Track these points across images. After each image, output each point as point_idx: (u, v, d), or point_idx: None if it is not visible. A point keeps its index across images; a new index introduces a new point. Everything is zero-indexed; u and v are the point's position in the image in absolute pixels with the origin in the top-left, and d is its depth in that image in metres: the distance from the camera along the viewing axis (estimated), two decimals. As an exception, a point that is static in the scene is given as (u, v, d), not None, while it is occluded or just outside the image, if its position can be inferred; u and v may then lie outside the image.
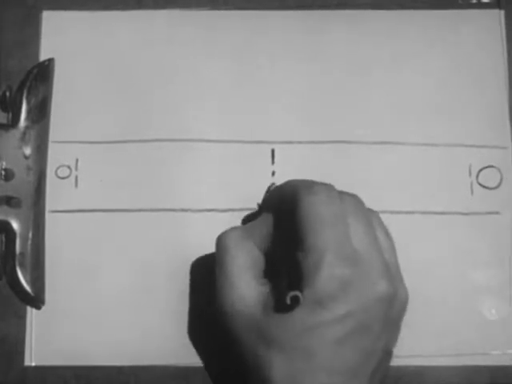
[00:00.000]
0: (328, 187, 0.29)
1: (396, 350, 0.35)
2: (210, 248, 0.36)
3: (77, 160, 0.38)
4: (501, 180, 0.38)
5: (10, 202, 0.36)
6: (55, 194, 0.37)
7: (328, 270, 0.26)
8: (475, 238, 0.37)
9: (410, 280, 0.36)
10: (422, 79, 0.39)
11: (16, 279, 0.36)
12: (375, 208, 0.37)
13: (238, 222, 0.37)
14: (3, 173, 0.36)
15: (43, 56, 0.39)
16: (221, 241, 0.30)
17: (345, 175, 0.38)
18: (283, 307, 0.27)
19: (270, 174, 0.38)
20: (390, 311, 0.28)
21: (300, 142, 0.38)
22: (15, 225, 0.36)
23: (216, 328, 0.30)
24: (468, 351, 0.36)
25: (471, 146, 0.38)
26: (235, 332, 0.28)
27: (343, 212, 0.28)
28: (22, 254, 0.36)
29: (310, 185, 0.29)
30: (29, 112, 0.37)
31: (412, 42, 0.39)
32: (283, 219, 0.30)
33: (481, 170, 0.38)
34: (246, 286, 0.28)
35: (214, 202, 0.37)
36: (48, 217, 0.37)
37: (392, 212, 0.37)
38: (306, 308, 0.26)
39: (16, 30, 0.39)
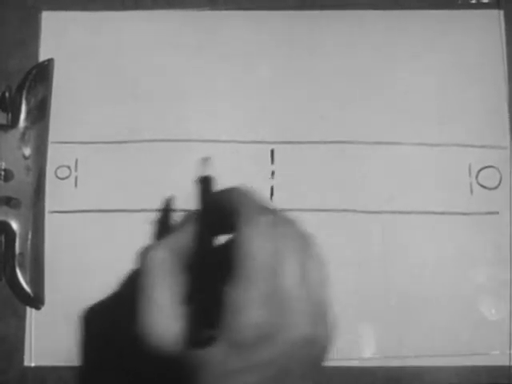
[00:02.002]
0: (266, 219, 0.26)
1: (396, 351, 0.36)
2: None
3: (76, 160, 0.38)
4: (500, 180, 0.38)
5: (9, 202, 0.36)
6: (55, 195, 0.37)
7: (250, 316, 0.24)
8: (475, 237, 0.37)
9: (409, 280, 0.36)
10: (422, 79, 0.38)
11: (16, 279, 0.36)
12: (374, 208, 0.37)
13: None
14: (3, 173, 0.36)
15: (43, 56, 0.39)
16: (145, 259, 0.28)
17: (344, 175, 0.38)
18: (198, 343, 0.25)
19: (270, 173, 0.38)
20: (311, 351, 0.26)
21: (299, 142, 0.38)
22: (15, 225, 0.36)
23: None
24: (467, 351, 0.36)
25: (471, 146, 0.38)
26: (153, 352, 0.27)
27: (278, 248, 0.26)
28: (21, 254, 0.36)
29: (248, 214, 0.26)
30: (28, 112, 0.37)
31: (411, 41, 0.39)
32: (205, 238, 0.28)
33: (480, 170, 0.38)
34: (167, 315, 0.27)
35: (213, 202, 0.37)
36: (47, 217, 0.37)
37: (391, 212, 0.37)
38: (223, 352, 0.24)
39: (15, 31, 0.39)
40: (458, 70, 0.39)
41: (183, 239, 0.28)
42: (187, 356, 0.25)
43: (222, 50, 0.39)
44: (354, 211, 0.37)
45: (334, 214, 0.37)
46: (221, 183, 0.37)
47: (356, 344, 0.36)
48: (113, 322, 0.35)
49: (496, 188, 0.38)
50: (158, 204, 0.37)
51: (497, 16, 0.39)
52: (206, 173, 0.33)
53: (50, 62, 0.38)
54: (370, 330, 0.36)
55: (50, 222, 0.37)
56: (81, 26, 0.39)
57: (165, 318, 0.27)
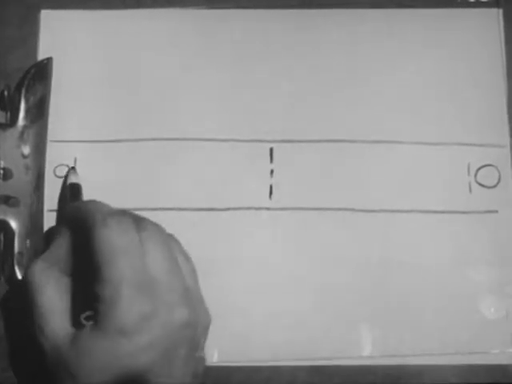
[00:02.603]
0: (123, 218, 0.28)
1: (395, 349, 0.36)
2: (210, 247, 0.36)
3: (75, 159, 0.38)
4: (499, 179, 0.38)
5: (8, 201, 0.36)
6: (54, 194, 0.37)
7: (126, 302, 0.26)
8: (474, 236, 0.37)
9: (408, 279, 0.36)
10: (421, 78, 0.39)
11: (14, 278, 0.35)
12: (373, 207, 0.37)
13: (237, 221, 0.37)
14: (1, 172, 0.36)
15: (41, 55, 0.39)
16: (28, 278, 0.29)
17: (343, 174, 0.38)
18: (80, 327, 0.27)
19: (269, 172, 0.38)
20: (194, 336, 0.28)
21: (298, 141, 0.38)
22: (14, 224, 0.36)
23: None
24: (467, 350, 0.36)
25: (470, 144, 0.38)
26: (46, 360, 0.28)
27: (139, 241, 0.28)
28: (20, 253, 0.36)
29: (103, 216, 0.28)
30: (27, 111, 0.37)
31: (410, 40, 0.39)
32: (80, 240, 0.29)
33: (479, 169, 0.38)
34: (57, 321, 0.28)
35: (212, 201, 0.37)
36: (46, 216, 0.37)
37: (391, 211, 0.37)
38: (107, 342, 0.26)
39: (14, 29, 0.39)
40: (457, 69, 0.39)
41: (58, 250, 0.30)
42: (79, 354, 0.27)
43: (221, 48, 0.39)
44: (353, 210, 0.37)
45: (334, 213, 0.37)
46: (219, 182, 0.38)
47: (356, 343, 0.36)
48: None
49: (495, 187, 0.38)
50: (156, 203, 0.37)
51: (496, 15, 0.39)
52: (73, 180, 0.36)
53: (48, 61, 0.38)
54: (369, 329, 0.36)
55: (49, 221, 0.37)
56: (80, 24, 0.39)
57: (56, 319, 0.28)
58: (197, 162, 0.38)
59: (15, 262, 0.36)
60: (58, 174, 0.38)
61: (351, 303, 0.36)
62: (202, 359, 0.31)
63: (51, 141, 0.38)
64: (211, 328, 0.31)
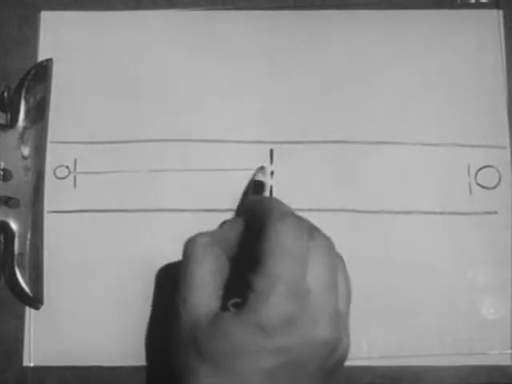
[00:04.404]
0: (301, 222, 0.28)
1: (395, 350, 0.36)
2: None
3: (75, 160, 0.38)
4: (499, 180, 0.38)
5: (8, 202, 0.36)
6: (54, 195, 0.37)
7: (276, 300, 0.26)
8: (474, 237, 0.37)
9: (408, 280, 0.36)
10: (421, 79, 0.38)
11: (14, 279, 0.36)
12: (373, 208, 0.37)
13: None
14: (1, 173, 0.36)
15: (41, 56, 0.39)
16: (188, 247, 0.30)
17: (343, 175, 0.38)
18: (224, 310, 0.27)
19: (269, 173, 0.38)
20: (329, 359, 0.27)
21: (298, 142, 0.38)
22: (14, 225, 0.36)
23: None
24: (466, 351, 0.36)
25: (470, 145, 0.38)
26: (178, 331, 0.28)
27: (307, 249, 0.27)
28: (20, 254, 0.36)
29: (283, 214, 0.28)
30: (27, 112, 0.37)
31: (410, 41, 0.39)
32: (251, 232, 0.29)
33: (479, 170, 0.38)
34: (203, 296, 0.28)
35: (213, 202, 0.37)
36: (46, 217, 0.37)
37: (391, 212, 0.37)
38: (244, 332, 0.26)
39: (14, 30, 0.39)
40: (457, 70, 0.39)
41: (227, 233, 0.30)
42: (214, 335, 0.26)
43: (221, 49, 0.39)
44: (354, 211, 0.37)
45: (334, 214, 0.37)
46: (220, 183, 0.38)
47: (355, 343, 0.36)
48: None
49: (495, 188, 0.38)
50: (156, 204, 0.37)
51: (496, 16, 0.39)
52: (260, 178, 0.36)
53: (48, 62, 0.38)
54: (369, 330, 0.36)
55: (49, 222, 0.37)
56: (80, 25, 0.39)
57: (203, 296, 0.28)
58: (197, 163, 0.38)
59: (15, 263, 0.36)
60: (58, 175, 0.38)
61: (350, 304, 0.36)
62: None
63: (51, 142, 0.38)
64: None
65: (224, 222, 0.32)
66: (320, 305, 0.27)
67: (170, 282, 0.30)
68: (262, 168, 0.37)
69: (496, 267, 0.37)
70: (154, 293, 0.36)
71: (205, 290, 0.28)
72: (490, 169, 0.38)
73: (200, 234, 0.30)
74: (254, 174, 0.37)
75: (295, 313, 0.26)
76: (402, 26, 0.39)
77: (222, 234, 0.30)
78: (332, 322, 0.27)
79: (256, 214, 0.29)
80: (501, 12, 0.39)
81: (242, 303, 0.26)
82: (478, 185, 0.38)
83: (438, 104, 0.38)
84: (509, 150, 0.38)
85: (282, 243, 0.27)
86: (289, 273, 0.26)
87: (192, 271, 0.29)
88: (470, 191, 0.38)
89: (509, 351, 0.36)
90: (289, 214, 0.28)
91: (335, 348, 0.27)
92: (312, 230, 0.28)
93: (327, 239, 0.28)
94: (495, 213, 0.37)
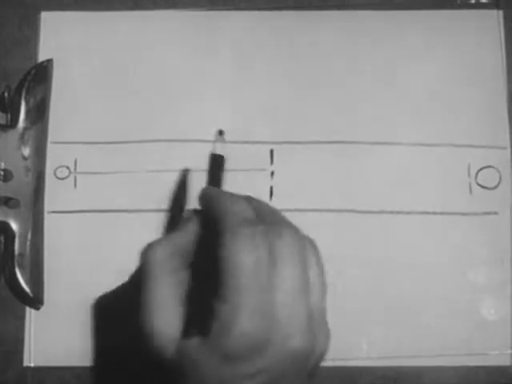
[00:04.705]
0: (254, 229, 0.25)
1: (395, 351, 0.36)
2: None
3: (75, 161, 0.38)
4: (499, 180, 0.38)
5: (8, 202, 0.36)
6: (54, 195, 0.37)
7: (239, 330, 0.24)
8: (474, 237, 0.37)
9: (408, 280, 0.36)
10: (421, 79, 0.38)
11: (15, 280, 0.36)
12: (374, 208, 0.37)
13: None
14: (2, 173, 0.36)
15: (42, 57, 0.39)
16: (146, 260, 0.27)
17: (343, 175, 0.38)
18: (189, 334, 0.26)
19: (269, 174, 0.38)
20: (306, 364, 0.26)
21: (299, 143, 0.38)
22: (14, 225, 0.36)
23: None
24: (466, 351, 0.36)
25: (470, 146, 0.38)
26: (153, 352, 0.26)
27: (269, 262, 0.25)
28: (20, 254, 0.36)
29: (235, 224, 0.25)
30: (27, 113, 0.37)
31: (410, 41, 0.39)
32: (206, 236, 0.28)
33: (480, 170, 0.38)
34: (164, 323, 0.26)
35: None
36: (47, 217, 0.37)
37: (391, 212, 0.37)
38: (215, 361, 0.24)
39: (15, 31, 0.39)
40: (457, 70, 0.39)
41: (185, 238, 0.28)
42: (181, 363, 0.25)
43: (221, 50, 0.39)
44: (354, 211, 0.37)
45: (334, 214, 0.37)
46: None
47: (355, 344, 0.36)
48: (117, 316, 0.35)
49: (495, 188, 0.38)
50: (156, 204, 0.37)
51: (496, 16, 0.39)
52: (217, 151, 0.33)
53: (49, 63, 0.38)
54: (368, 330, 0.36)
55: (50, 222, 0.37)
56: (80, 26, 0.39)
57: (165, 316, 0.26)
58: (197, 163, 0.38)
59: (16, 263, 0.36)
60: (58, 175, 0.38)
61: (350, 304, 0.36)
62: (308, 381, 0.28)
63: (51, 142, 0.38)
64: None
65: (182, 220, 0.30)
66: (289, 318, 0.25)
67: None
68: (220, 133, 0.34)
69: (496, 267, 0.37)
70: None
71: (165, 311, 0.26)
72: (491, 169, 0.38)
73: (157, 243, 0.28)
74: (214, 144, 0.34)
75: (263, 335, 0.24)
76: (402, 27, 0.39)
77: (178, 239, 0.28)
78: (304, 331, 0.25)
79: (210, 215, 0.27)
80: (501, 12, 0.39)
81: (207, 327, 0.25)
82: (478, 185, 0.38)
83: (439, 104, 0.38)
84: (509, 150, 0.38)
85: (238, 263, 0.24)
86: (251, 295, 0.24)
87: (151, 290, 0.27)
88: (471, 191, 0.38)
89: (509, 351, 0.36)
90: (241, 221, 0.26)
91: (311, 352, 0.26)
92: (273, 227, 0.26)
93: (288, 235, 0.26)
94: (495, 213, 0.37)
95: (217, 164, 0.32)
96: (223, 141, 0.33)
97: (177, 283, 0.27)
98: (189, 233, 0.28)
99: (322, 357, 0.27)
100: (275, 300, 0.25)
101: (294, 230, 0.26)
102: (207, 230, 0.28)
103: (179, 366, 0.25)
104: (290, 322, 0.25)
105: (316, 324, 0.26)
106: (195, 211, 0.30)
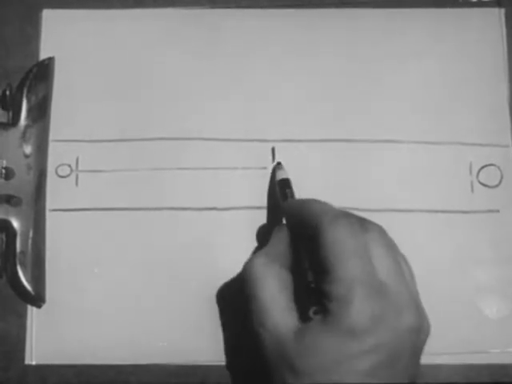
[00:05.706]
0: (350, 218, 0.28)
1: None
2: (210, 247, 0.36)
3: (77, 159, 0.38)
4: (501, 178, 0.38)
5: (10, 200, 0.36)
6: (56, 193, 0.37)
7: (358, 303, 0.26)
8: (475, 236, 0.37)
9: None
10: (423, 78, 0.38)
11: (16, 278, 0.36)
12: (375, 206, 0.37)
13: (239, 221, 0.37)
14: (4, 172, 0.36)
15: (43, 55, 0.39)
16: (248, 271, 0.30)
17: (345, 173, 0.38)
18: (305, 321, 0.28)
19: (271, 171, 0.38)
20: (418, 342, 0.28)
21: (300, 141, 0.38)
22: (16, 223, 0.36)
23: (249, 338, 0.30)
24: (468, 349, 0.36)
25: (472, 144, 0.38)
26: (266, 353, 0.28)
27: (367, 243, 0.28)
28: (22, 252, 0.36)
29: (333, 215, 0.28)
30: (29, 111, 0.37)
31: (412, 40, 0.39)
32: (300, 238, 0.30)
33: (481, 169, 0.38)
34: (279, 315, 0.28)
35: (214, 200, 0.37)
36: (48, 215, 0.37)
37: (393, 210, 0.37)
38: (336, 341, 0.26)
39: (16, 29, 0.39)
40: (459, 69, 0.39)
41: (279, 247, 0.31)
42: (303, 351, 0.27)
43: (222, 48, 0.39)
44: (355, 209, 0.37)
45: (335, 213, 0.37)
46: (221, 181, 0.38)
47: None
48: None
49: (497, 186, 0.38)
50: (158, 202, 0.37)
51: (497, 14, 0.39)
52: (282, 176, 0.36)
53: (50, 61, 0.38)
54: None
55: (51, 221, 0.37)
56: (82, 24, 0.39)
57: (279, 310, 0.29)
58: (198, 161, 0.38)
59: (17, 261, 0.36)
60: (60, 173, 0.38)
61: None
62: (419, 365, 0.30)
63: (53, 140, 0.38)
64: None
65: (271, 235, 0.33)
66: (397, 293, 0.27)
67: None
68: (279, 164, 0.37)
69: (498, 266, 0.37)
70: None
71: (278, 309, 0.29)
72: (492, 167, 0.38)
73: (255, 256, 0.31)
74: (273, 172, 0.37)
75: (379, 309, 0.26)
76: (403, 25, 0.39)
77: (273, 249, 0.31)
78: (412, 306, 0.27)
79: (304, 220, 0.30)
80: (502, 10, 0.39)
81: (323, 312, 0.27)
82: (480, 183, 0.38)
83: (440, 102, 0.38)
84: (511, 148, 0.38)
85: (343, 246, 0.27)
86: (361, 272, 0.27)
87: (259, 294, 0.29)
88: (472, 190, 0.38)
89: (511, 350, 0.36)
90: (338, 213, 0.28)
91: (421, 330, 0.28)
92: (362, 222, 0.29)
93: (378, 226, 0.29)
94: (497, 211, 0.37)
95: (286, 184, 0.35)
96: (283, 168, 0.36)
97: (282, 283, 0.30)
98: (280, 241, 0.31)
99: (426, 337, 0.29)
100: (380, 278, 0.27)
101: (379, 225, 0.29)
102: (297, 235, 0.31)
103: (301, 352, 0.27)
104: (398, 298, 0.27)
105: (417, 307, 0.28)
106: (283, 224, 0.33)
